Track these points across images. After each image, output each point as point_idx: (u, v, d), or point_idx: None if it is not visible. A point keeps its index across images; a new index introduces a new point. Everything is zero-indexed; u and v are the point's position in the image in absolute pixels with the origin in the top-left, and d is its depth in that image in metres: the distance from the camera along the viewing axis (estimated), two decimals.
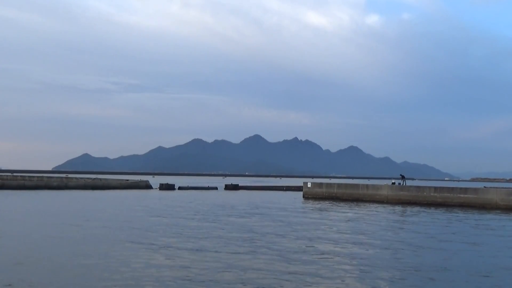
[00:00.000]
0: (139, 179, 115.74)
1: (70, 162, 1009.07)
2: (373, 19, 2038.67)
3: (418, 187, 64.78)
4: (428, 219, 40.64)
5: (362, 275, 16.23)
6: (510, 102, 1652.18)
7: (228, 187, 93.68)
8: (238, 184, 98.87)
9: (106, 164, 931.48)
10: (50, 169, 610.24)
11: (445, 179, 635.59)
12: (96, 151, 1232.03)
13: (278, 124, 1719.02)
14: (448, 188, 61.80)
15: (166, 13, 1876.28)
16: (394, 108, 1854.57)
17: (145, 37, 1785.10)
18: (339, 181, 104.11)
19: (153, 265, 16.52)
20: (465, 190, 58.54)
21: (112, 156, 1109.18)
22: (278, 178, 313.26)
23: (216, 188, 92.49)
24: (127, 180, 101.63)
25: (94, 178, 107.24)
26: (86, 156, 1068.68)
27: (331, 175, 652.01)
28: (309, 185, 69.64)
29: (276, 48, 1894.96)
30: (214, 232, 26.73)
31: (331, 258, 19.30)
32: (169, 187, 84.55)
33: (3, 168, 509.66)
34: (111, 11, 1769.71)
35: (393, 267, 18.45)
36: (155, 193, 74.64)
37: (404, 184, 66.61)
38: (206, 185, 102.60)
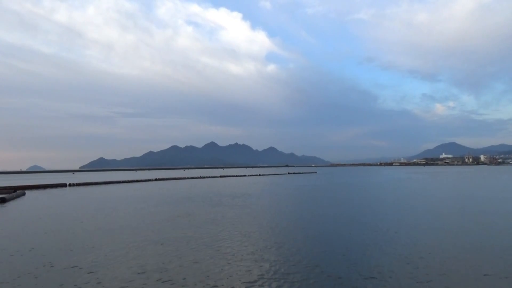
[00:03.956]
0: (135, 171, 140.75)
1: (91, 163, 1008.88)
2: (271, 68, 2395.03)
3: None
4: None
5: None
6: (355, 118, 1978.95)
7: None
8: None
9: (115, 164, 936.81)
10: (77, 168, 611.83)
11: (312, 165, 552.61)
12: (108, 155, 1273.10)
13: (224, 134, 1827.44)
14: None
15: (141, 67, 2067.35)
16: (288, 122, 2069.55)
17: (131, 82, 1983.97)
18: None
19: None
20: None
21: (119, 158, 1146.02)
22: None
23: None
24: None
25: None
26: (101, 159, 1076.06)
27: (258, 165, 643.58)
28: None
29: (213, 88, 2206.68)
30: None
31: None
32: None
33: (47, 169, 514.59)
34: (104, 66, 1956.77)
35: None
36: None
37: None
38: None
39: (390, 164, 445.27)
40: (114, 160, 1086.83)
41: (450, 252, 12.49)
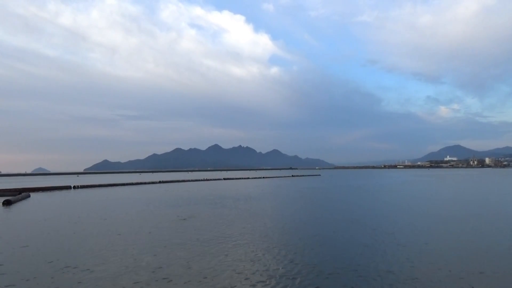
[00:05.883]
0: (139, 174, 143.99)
1: (95, 165, 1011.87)
2: (274, 70, 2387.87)
3: None
4: None
5: None
6: (359, 121, 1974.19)
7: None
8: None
9: (119, 166, 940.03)
10: (81, 170, 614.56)
11: (316, 168, 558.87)
12: (112, 158, 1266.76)
13: (228, 137, 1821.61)
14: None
15: (145, 70, 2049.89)
16: (292, 124, 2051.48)
17: (135, 84, 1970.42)
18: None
19: None
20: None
21: (123, 160, 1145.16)
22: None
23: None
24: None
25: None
26: (105, 161, 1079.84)
27: (261, 167, 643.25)
28: None
29: (216, 91, 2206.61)
30: None
31: None
32: None
33: (52, 171, 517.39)
34: (108, 69, 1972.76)
35: None
36: None
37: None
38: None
39: (395, 166, 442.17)
40: (118, 163, 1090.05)
41: (450, 253, 12.43)
